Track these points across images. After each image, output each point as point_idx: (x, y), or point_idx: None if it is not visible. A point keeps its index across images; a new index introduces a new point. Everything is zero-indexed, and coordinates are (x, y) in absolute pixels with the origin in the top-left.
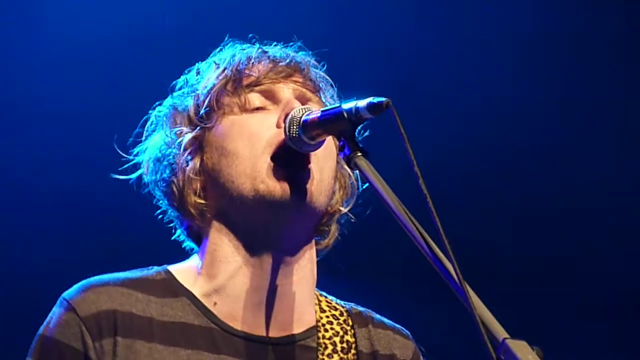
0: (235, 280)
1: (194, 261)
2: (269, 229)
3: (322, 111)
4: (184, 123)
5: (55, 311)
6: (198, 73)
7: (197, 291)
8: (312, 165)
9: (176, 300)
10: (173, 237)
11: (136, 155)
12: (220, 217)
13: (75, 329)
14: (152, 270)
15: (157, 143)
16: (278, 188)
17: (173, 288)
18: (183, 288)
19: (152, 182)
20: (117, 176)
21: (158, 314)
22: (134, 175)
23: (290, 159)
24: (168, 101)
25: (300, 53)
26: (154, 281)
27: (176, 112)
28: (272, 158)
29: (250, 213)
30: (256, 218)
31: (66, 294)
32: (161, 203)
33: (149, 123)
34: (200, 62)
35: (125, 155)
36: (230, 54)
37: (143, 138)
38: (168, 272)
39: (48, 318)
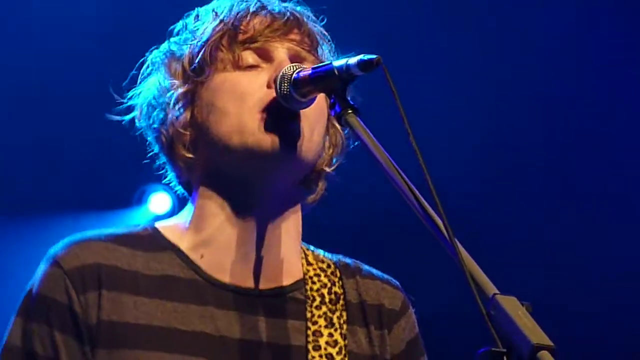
0: (223, 233)
1: (181, 217)
2: (256, 182)
3: (313, 68)
4: (177, 74)
5: (41, 267)
6: (197, 19)
7: (183, 245)
8: (303, 123)
9: (162, 254)
10: (164, 181)
11: (130, 98)
12: (208, 171)
13: (60, 283)
14: (139, 227)
15: (151, 88)
16: (268, 140)
17: (159, 242)
18: (169, 242)
19: (144, 127)
20: (112, 117)
21: (143, 268)
22: (127, 117)
23: (280, 115)
24: (165, 46)
25: (299, 7)
26: (140, 236)
27: (172, 58)
28: (261, 112)
29: (238, 166)
30: (244, 171)
31: (51, 250)
32: (153, 147)
33: (144, 66)
34: (199, 7)
35: (120, 98)
36: (229, 4)
37: (138, 81)
38: (154, 228)
39: (34, 275)
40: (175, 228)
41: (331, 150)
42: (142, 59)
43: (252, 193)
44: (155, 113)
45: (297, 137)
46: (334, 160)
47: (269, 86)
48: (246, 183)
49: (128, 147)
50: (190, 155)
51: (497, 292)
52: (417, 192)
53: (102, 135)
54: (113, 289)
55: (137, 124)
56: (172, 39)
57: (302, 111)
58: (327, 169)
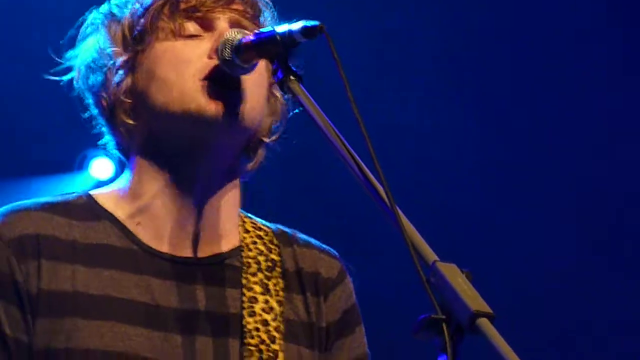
0: (160, 201)
1: (117, 184)
2: (197, 150)
3: (256, 34)
4: (118, 38)
5: None
6: None
7: (119, 213)
8: (244, 90)
9: (98, 223)
10: (100, 142)
11: (70, 58)
12: (148, 138)
13: (1, 252)
14: (73, 195)
15: (91, 50)
16: (212, 106)
17: (95, 211)
18: (105, 211)
19: (82, 89)
20: (50, 77)
21: (81, 237)
22: (65, 78)
23: (222, 82)
24: (105, 7)
25: None
26: (75, 205)
27: (112, 20)
28: (202, 80)
29: (179, 133)
30: (185, 138)
31: None
32: (91, 109)
33: (84, 27)
34: None
35: (58, 59)
36: None
37: (77, 41)
38: (89, 196)
39: None
40: (112, 196)
41: (271, 119)
42: (82, 19)
43: (192, 161)
44: (94, 76)
45: (240, 103)
46: (274, 129)
47: (209, 56)
48: (187, 151)
49: (69, 111)
50: (131, 122)
51: (437, 259)
52: (358, 159)
53: (43, 98)
54: (52, 258)
55: (75, 85)
56: (112, 1)
57: (243, 78)
58: (267, 139)
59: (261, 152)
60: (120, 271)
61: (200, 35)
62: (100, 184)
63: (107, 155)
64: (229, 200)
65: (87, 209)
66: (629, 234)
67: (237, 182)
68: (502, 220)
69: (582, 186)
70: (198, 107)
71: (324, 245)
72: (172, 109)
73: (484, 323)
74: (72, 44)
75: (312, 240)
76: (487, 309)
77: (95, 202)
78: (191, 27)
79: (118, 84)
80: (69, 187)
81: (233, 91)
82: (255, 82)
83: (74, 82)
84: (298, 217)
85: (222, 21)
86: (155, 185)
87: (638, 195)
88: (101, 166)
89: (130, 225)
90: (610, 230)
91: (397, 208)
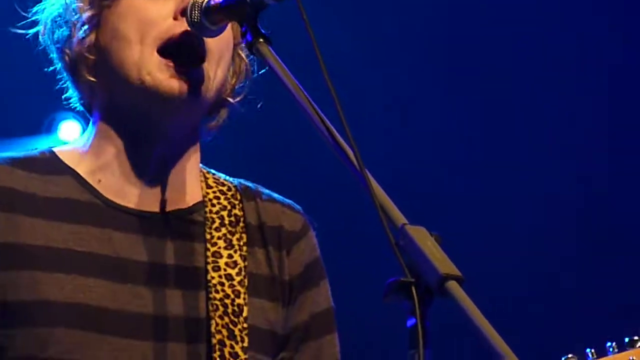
0: (121, 158)
1: (79, 142)
2: (155, 119)
3: None
4: None
5: None
6: None
7: (81, 169)
8: (207, 64)
9: (60, 177)
10: (64, 96)
11: (36, 12)
12: (109, 97)
13: None
14: (36, 151)
15: (57, 4)
16: (175, 85)
17: (57, 166)
18: (67, 166)
19: (48, 44)
20: (15, 30)
21: (41, 190)
22: (31, 31)
23: (184, 55)
24: None
25: None
26: (37, 159)
27: None
28: (160, 51)
29: (136, 100)
30: (143, 107)
31: None
32: (56, 65)
33: None
34: None
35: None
36: None
37: None
38: (52, 152)
39: None
40: (74, 152)
41: (234, 79)
42: None
43: (152, 127)
44: (60, 31)
45: (202, 80)
46: (237, 89)
47: (175, 17)
48: (144, 119)
49: (37, 74)
50: (93, 79)
51: (406, 222)
52: (327, 122)
53: (11, 62)
54: (10, 210)
55: (41, 39)
56: None
57: (207, 47)
58: (230, 99)
59: (224, 112)
60: (82, 224)
61: None
62: None
63: (75, 118)
64: (190, 157)
65: (50, 163)
66: (619, 225)
67: (196, 139)
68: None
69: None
70: (155, 82)
71: (287, 200)
72: (129, 73)
73: (453, 286)
74: None
75: (275, 195)
76: (456, 271)
77: (58, 157)
78: None
79: (82, 39)
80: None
81: (195, 70)
82: (219, 48)
83: (40, 37)
84: (266, 177)
85: None
86: (116, 144)
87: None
88: (70, 129)
89: (92, 181)
90: (607, 228)
91: (367, 171)
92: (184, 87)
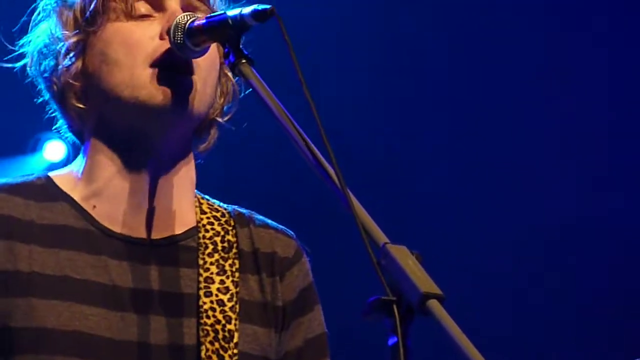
0: (114, 184)
1: (74, 167)
2: (147, 135)
3: (207, 18)
4: (69, 22)
5: None
6: None
7: (76, 195)
8: (195, 76)
9: (55, 204)
10: (54, 127)
11: (22, 46)
12: (99, 122)
13: None
14: (32, 176)
15: (42, 36)
16: (160, 93)
17: (52, 193)
18: (62, 192)
19: (35, 75)
20: (3, 64)
21: (38, 217)
22: (18, 64)
23: (172, 67)
24: None
25: None
26: (34, 186)
27: (64, 6)
28: (153, 66)
29: (129, 119)
30: (135, 124)
31: None
32: (44, 95)
33: (35, 13)
34: None
35: (10, 46)
36: None
37: (29, 28)
38: (48, 178)
39: None
40: (69, 178)
41: (222, 99)
42: (33, 5)
43: (144, 146)
44: (46, 61)
45: (190, 90)
46: (225, 109)
47: (161, 37)
48: (137, 136)
49: (22, 94)
50: (82, 106)
51: (387, 241)
52: (309, 141)
53: None
54: (8, 238)
55: (28, 71)
56: None
57: (195, 62)
58: (219, 119)
59: (214, 133)
60: (78, 251)
61: (151, 16)
62: (53, 166)
63: (60, 138)
64: (183, 181)
65: (46, 190)
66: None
67: (190, 163)
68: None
69: None
70: (147, 94)
71: (280, 226)
72: (122, 94)
73: (434, 304)
74: (24, 31)
75: (269, 221)
76: (436, 290)
77: (54, 183)
78: (142, 7)
79: (68, 67)
80: (22, 169)
81: (184, 79)
82: (206, 66)
83: (27, 69)
84: (251, 200)
85: (172, 1)
86: (109, 169)
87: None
88: (54, 149)
89: (87, 207)
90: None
91: (348, 190)
92: (169, 94)
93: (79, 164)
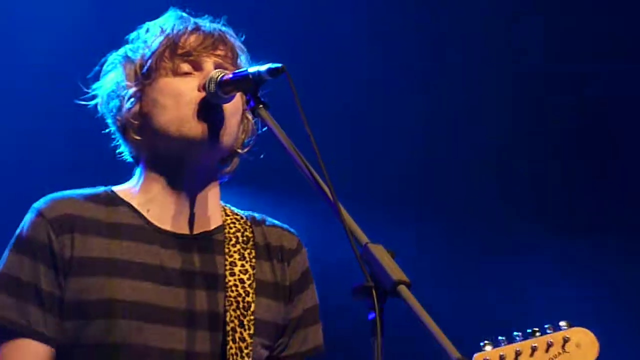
0: (163, 194)
1: (131, 182)
2: (187, 160)
3: (234, 73)
4: (131, 74)
5: (28, 216)
6: (147, 31)
7: (134, 202)
8: (225, 116)
9: (119, 208)
10: (118, 151)
11: (95, 89)
12: (151, 151)
13: (43, 228)
14: (100, 189)
15: (111, 82)
16: (199, 129)
17: (116, 200)
18: (123, 200)
19: (104, 112)
20: (80, 102)
21: (105, 217)
22: (92, 103)
23: (208, 111)
24: (122, 50)
25: (224, 28)
26: (101, 195)
27: (127, 61)
28: (194, 106)
29: (174, 149)
30: (178, 152)
31: (36, 204)
32: (111, 128)
33: (105, 64)
34: (149, 22)
35: (85, 89)
36: (172, 22)
37: (101, 76)
38: (112, 191)
39: (22, 222)
40: (127, 191)
41: (244, 135)
42: (103, 60)
43: (183, 169)
44: (113, 103)
45: (221, 126)
46: (246, 143)
47: (199, 89)
48: (179, 162)
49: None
50: (138, 138)
51: (368, 241)
52: (310, 167)
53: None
54: (83, 232)
55: (99, 109)
56: (127, 46)
57: (224, 107)
58: (240, 151)
59: (236, 161)
60: (136, 242)
61: (192, 74)
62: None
63: None
64: (211, 194)
65: (110, 198)
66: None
67: (216, 182)
68: None
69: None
70: (189, 128)
71: (285, 225)
72: (169, 129)
73: (402, 289)
74: (97, 77)
75: (277, 222)
76: (405, 278)
77: (116, 194)
78: (185, 67)
79: (129, 109)
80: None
81: (216, 117)
82: (232, 110)
83: (98, 107)
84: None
85: (208, 63)
86: (158, 185)
87: None
88: None
89: (143, 211)
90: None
91: (339, 203)
92: (206, 129)
93: (135, 180)
